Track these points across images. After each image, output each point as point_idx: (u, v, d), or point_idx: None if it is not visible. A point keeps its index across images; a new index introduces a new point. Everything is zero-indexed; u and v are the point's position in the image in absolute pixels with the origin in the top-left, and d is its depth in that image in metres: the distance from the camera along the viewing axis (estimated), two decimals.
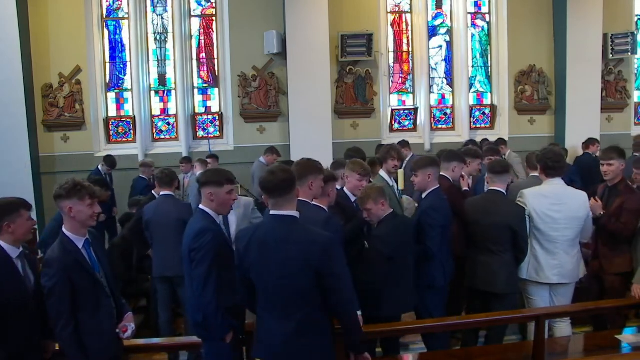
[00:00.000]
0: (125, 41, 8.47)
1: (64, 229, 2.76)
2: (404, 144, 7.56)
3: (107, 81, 8.53)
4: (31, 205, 2.91)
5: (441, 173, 4.27)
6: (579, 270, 3.89)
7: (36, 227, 3.86)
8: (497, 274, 3.78)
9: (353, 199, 3.91)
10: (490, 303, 3.86)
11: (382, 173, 4.64)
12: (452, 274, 3.84)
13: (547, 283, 3.84)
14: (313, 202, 3.18)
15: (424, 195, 3.90)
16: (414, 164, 4.00)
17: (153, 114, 8.71)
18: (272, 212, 2.60)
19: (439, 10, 9.22)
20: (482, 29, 9.34)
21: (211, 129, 8.73)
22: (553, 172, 3.80)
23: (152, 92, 8.69)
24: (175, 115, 8.67)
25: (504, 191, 3.91)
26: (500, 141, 8.11)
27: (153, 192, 5.32)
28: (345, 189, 3.99)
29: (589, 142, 7.91)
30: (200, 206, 3.01)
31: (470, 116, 9.24)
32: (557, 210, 3.73)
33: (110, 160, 7.45)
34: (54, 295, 2.62)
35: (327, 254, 2.52)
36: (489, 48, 9.34)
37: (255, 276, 2.63)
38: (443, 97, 9.36)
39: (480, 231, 3.83)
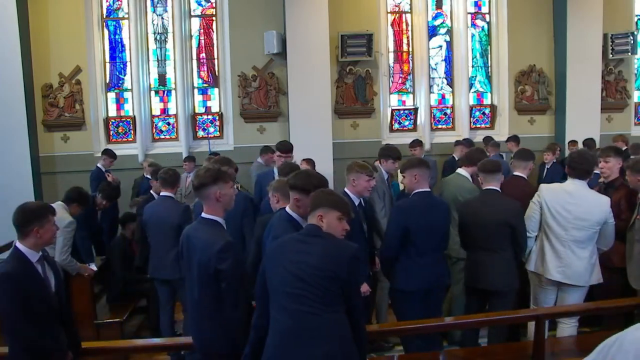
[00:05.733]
0: (125, 41, 8.46)
1: (211, 216, 2.81)
2: (416, 143, 7.56)
3: (107, 81, 8.52)
4: (55, 210, 2.98)
5: (516, 173, 4.42)
6: (592, 275, 3.82)
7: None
8: (500, 272, 3.80)
9: (357, 201, 3.87)
10: (490, 301, 3.88)
11: (464, 172, 4.65)
12: None
13: (555, 284, 3.84)
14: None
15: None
16: (402, 165, 4.01)
17: (153, 114, 8.69)
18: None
19: (439, 10, 9.21)
20: (482, 29, 9.34)
21: (211, 129, 8.72)
22: (572, 172, 3.86)
23: (152, 92, 8.69)
24: (175, 115, 8.66)
25: (498, 189, 3.95)
26: (513, 138, 8.14)
27: (151, 192, 5.29)
28: (347, 190, 3.90)
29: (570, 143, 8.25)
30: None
31: (470, 116, 9.24)
32: (568, 209, 3.75)
33: (109, 152, 7.44)
34: (235, 278, 2.70)
35: None
36: (489, 48, 9.34)
37: None
38: (443, 97, 9.35)
39: (480, 231, 3.83)
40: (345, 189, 3.92)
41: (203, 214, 2.84)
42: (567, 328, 3.92)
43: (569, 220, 3.75)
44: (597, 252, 3.86)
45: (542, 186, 3.99)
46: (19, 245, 2.76)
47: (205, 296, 2.77)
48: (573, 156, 3.98)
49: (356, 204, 3.85)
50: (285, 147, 5.48)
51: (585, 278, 3.80)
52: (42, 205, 2.92)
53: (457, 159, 7.28)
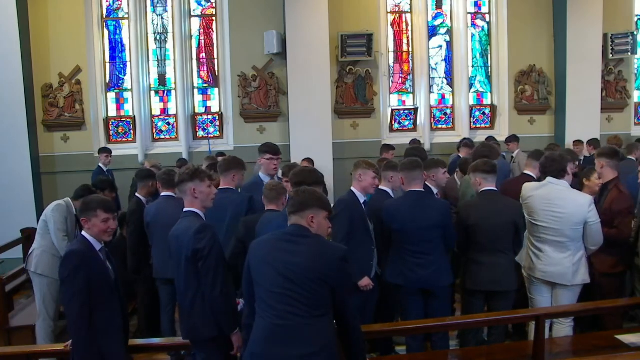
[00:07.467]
0: (125, 41, 8.46)
1: (191, 208, 3.09)
2: (414, 142, 7.59)
3: (107, 81, 8.53)
4: (113, 208, 3.03)
5: (526, 171, 4.65)
6: (576, 275, 3.77)
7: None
8: (506, 272, 3.81)
9: (363, 199, 3.93)
10: (493, 302, 3.88)
11: None
12: None
13: (548, 283, 3.85)
14: None
15: None
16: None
17: (153, 114, 8.70)
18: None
19: (439, 10, 9.21)
20: (482, 29, 9.34)
21: (211, 129, 8.72)
22: (549, 174, 3.89)
23: (152, 92, 8.69)
24: (175, 115, 8.67)
25: (496, 189, 3.95)
26: (512, 138, 8.14)
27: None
28: (353, 189, 3.97)
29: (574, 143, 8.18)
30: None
31: (470, 116, 9.24)
32: (548, 209, 3.77)
33: (103, 149, 7.50)
34: (211, 257, 2.86)
35: None
36: (489, 48, 9.34)
37: None
38: (443, 97, 9.35)
39: (486, 232, 3.81)
40: (352, 188, 3.99)
41: (185, 208, 3.13)
42: (563, 328, 3.92)
43: (549, 219, 3.75)
44: (583, 251, 3.79)
45: (525, 185, 4.01)
46: (83, 232, 2.96)
47: (189, 284, 2.92)
48: (542, 163, 3.96)
49: (361, 201, 3.93)
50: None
51: (568, 277, 3.75)
52: (93, 200, 3.01)
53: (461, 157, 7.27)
